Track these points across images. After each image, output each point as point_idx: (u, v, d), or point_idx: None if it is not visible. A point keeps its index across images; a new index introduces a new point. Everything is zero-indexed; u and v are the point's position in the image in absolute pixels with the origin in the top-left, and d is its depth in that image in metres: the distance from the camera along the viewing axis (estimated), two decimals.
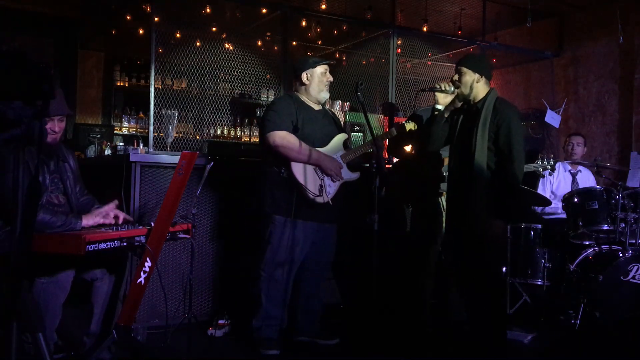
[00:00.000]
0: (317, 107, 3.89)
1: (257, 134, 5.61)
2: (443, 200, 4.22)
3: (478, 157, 3.48)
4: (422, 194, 4.15)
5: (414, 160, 4.24)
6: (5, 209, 2.80)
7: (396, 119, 5.34)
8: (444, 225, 4.16)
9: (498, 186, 3.49)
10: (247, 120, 6.74)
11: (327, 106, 5.85)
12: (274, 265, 3.67)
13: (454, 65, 3.73)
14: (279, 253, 3.66)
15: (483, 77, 3.57)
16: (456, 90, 3.60)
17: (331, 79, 3.89)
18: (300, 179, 3.61)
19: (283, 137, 3.61)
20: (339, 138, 3.88)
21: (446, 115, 3.72)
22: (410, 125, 4.05)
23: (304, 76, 3.82)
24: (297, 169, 3.62)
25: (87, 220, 3.02)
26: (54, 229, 2.84)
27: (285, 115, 3.68)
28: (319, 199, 3.64)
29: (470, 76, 3.55)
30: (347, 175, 3.83)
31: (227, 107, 5.13)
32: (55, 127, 3.03)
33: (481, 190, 3.48)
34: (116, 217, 3.19)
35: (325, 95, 3.89)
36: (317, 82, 3.82)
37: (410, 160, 4.28)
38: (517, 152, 3.47)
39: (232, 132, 6.47)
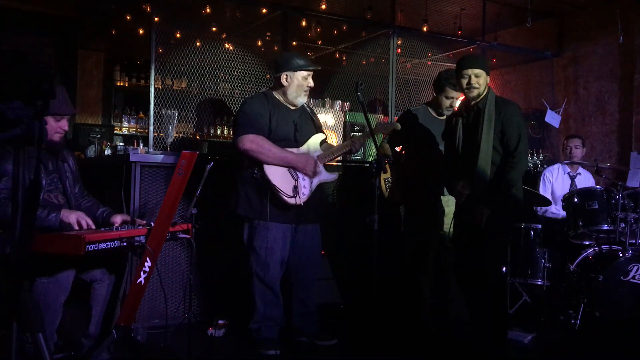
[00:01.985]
0: (293, 107, 3.80)
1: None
2: (444, 199, 4.23)
3: (483, 155, 3.50)
4: (420, 193, 4.14)
5: (411, 159, 4.22)
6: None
7: (395, 119, 5.34)
8: (446, 224, 4.18)
9: (501, 183, 3.51)
10: None
11: (327, 106, 5.87)
12: (259, 267, 3.67)
13: (453, 64, 3.75)
14: (261, 255, 3.65)
15: (489, 76, 3.63)
16: (474, 91, 3.60)
17: (312, 84, 3.75)
18: (274, 181, 3.56)
19: (252, 141, 3.56)
20: (316, 138, 3.81)
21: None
22: (393, 126, 4.00)
23: (283, 77, 3.72)
24: (271, 170, 3.57)
25: (66, 214, 2.97)
26: None
27: (256, 117, 3.61)
28: (292, 201, 3.59)
29: (484, 77, 3.59)
30: (324, 176, 3.78)
31: (227, 107, 5.14)
32: (65, 125, 3.09)
33: (485, 188, 3.50)
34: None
35: (302, 100, 3.76)
36: (295, 87, 3.71)
37: (408, 160, 4.27)
38: (522, 147, 3.53)
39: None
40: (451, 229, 3.97)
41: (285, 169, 3.62)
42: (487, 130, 3.51)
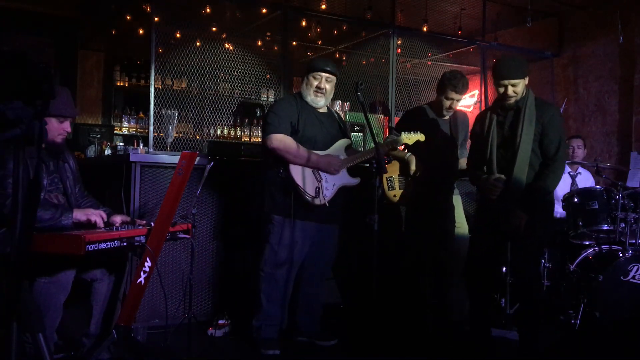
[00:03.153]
0: (321, 110, 3.87)
1: (258, 133, 5.62)
2: (454, 199, 4.24)
3: (522, 156, 3.42)
4: (424, 193, 4.13)
5: (421, 160, 4.19)
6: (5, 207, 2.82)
7: (396, 119, 5.33)
8: (457, 224, 4.18)
9: (537, 187, 3.45)
10: (247, 120, 6.75)
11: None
12: (273, 265, 3.68)
13: (453, 64, 3.71)
14: (278, 253, 3.67)
15: (527, 77, 3.53)
16: (511, 100, 3.50)
17: (322, 86, 3.78)
18: (298, 180, 3.61)
19: (280, 140, 3.61)
20: (342, 143, 3.86)
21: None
22: (418, 137, 3.96)
23: (303, 79, 3.84)
24: (295, 170, 3.62)
25: (77, 214, 3.02)
26: (42, 222, 2.84)
27: (284, 117, 3.67)
28: (316, 201, 3.63)
29: (522, 84, 3.48)
30: (347, 180, 3.81)
31: (227, 107, 5.14)
32: (68, 127, 3.11)
33: (522, 191, 3.45)
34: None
35: (315, 101, 3.80)
36: (305, 87, 3.81)
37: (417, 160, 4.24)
38: (562, 152, 3.47)
39: (232, 132, 6.47)
40: (461, 229, 3.98)
41: (309, 170, 3.66)
42: (527, 131, 3.42)
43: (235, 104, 5.22)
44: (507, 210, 3.46)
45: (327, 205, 3.67)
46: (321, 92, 3.79)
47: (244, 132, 6.57)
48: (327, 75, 3.79)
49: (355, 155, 3.87)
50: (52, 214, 2.91)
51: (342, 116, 5.75)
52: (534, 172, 3.48)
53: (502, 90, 3.48)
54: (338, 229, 3.92)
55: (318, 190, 3.65)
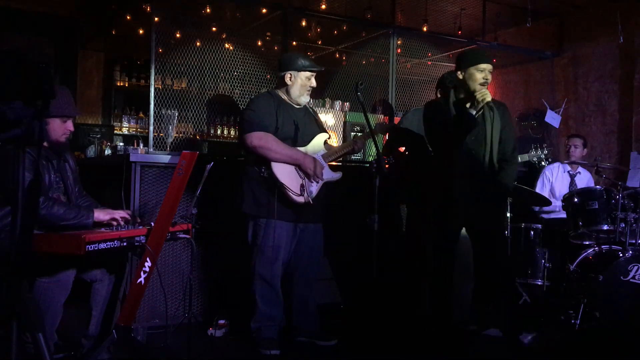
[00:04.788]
0: (297, 106, 3.83)
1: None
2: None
3: (495, 152, 3.49)
4: (427, 192, 4.13)
5: (418, 159, 4.19)
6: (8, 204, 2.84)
7: (396, 119, 5.33)
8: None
9: (505, 181, 3.51)
10: None
11: (327, 106, 5.88)
12: (263, 266, 3.67)
13: (453, 64, 3.72)
14: (266, 254, 3.65)
15: None
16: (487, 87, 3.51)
17: (314, 84, 3.78)
18: (282, 179, 3.58)
19: (261, 138, 3.58)
20: (320, 138, 3.84)
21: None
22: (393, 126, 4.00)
23: (287, 76, 3.76)
24: (278, 168, 3.59)
25: (99, 214, 3.08)
26: (67, 221, 2.91)
27: (264, 114, 3.63)
28: (300, 199, 3.61)
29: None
30: (329, 175, 3.80)
31: (227, 107, 5.14)
32: (71, 126, 3.15)
33: (493, 188, 3.51)
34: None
35: (305, 99, 3.80)
36: (299, 86, 3.75)
37: (412, 160, 4.24)
38: (516, 147, 3.56)
39: (233, 132, 6.47)
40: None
41: (292, 167, 3.64)
42: (496, 128, 3.44)
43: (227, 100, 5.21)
44: (486, 206, 3.53)
45: (312, 202, 3.64)
46: (311, 90, 3.80)
47: None
48: (315, 73, 3.78)
49: (334, 150, 3.85)
50: (76, 213, 2.97)
51: (342, 116, 5.77)
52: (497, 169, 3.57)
53: (482, 76, 3.45)
54: (322, 229, 3.89)
55: (302, 188, 3.62)
